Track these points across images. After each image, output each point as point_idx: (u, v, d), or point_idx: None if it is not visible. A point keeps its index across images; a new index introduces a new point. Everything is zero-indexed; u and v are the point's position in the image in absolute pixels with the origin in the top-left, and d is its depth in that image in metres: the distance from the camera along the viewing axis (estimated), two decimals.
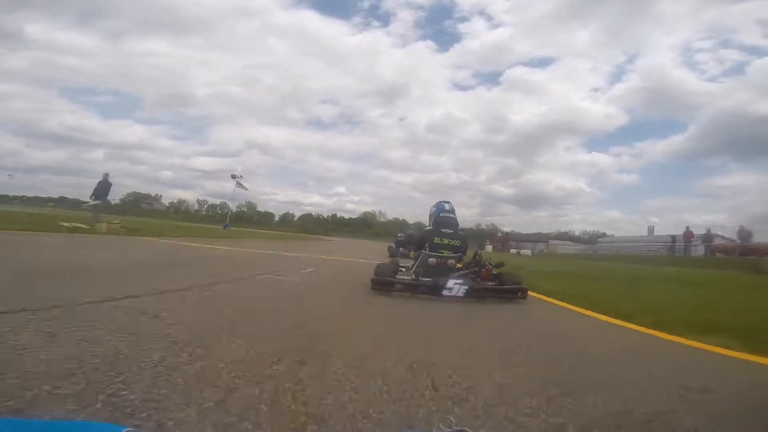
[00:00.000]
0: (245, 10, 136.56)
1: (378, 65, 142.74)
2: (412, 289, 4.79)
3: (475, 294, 4.90)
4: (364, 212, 72.63)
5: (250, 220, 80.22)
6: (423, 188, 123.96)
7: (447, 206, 5.89)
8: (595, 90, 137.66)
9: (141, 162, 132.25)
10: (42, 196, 78.85)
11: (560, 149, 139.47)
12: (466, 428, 1.01)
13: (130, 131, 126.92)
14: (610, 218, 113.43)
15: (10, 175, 71.45)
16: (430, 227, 5.76)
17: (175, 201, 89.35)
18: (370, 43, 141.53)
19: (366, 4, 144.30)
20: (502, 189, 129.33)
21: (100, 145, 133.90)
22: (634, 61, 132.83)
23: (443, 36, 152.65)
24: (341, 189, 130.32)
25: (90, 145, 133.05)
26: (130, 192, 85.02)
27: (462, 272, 5.43)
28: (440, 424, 1.08)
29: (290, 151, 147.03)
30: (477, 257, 5.74)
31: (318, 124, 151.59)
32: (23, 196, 71.55)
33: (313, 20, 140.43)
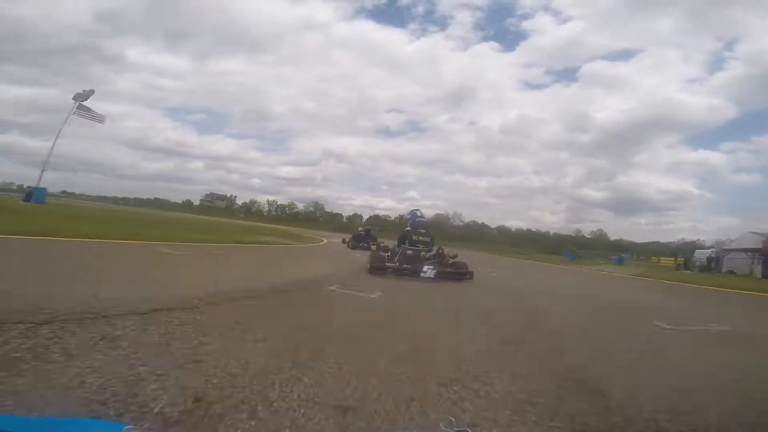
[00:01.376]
0: (308, 24, 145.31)
1: (440, 70, 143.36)
2: (399, 272, 7.28)
3: (440, 276, 7.58)
4: (436, 214, 72.18)
5: (317, 221, 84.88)
6: (500, 192, 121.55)
7: (419, 213, 9.03)
8: (692, 81, 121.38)
9: (234, 171, 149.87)
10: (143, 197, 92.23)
11: (658, 147, 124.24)
12: (467, 429, 1.09)
13: (223, 144, 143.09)
14: (725, 225, 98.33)
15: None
16: (409, 228, 8.56)
17: (247, 201, 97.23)
18: (429, 49, 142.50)
19: (420, 10, 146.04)
20: (593, 192, 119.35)
21: (199, 156, 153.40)
22: (733, 47, 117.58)
23: (506, 35, 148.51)
24: (413, 194, 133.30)
25: (191, 156, 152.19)
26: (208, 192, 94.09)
27: (431, 261, 8.12)
28: (441, 425, 1.11)
29: (363, 159, 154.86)
30: (440, 251, 8.60)
31: (386, 132, 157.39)
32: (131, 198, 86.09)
33: (372, 30, 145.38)
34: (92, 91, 28.87)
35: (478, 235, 65.09)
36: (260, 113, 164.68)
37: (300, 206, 76.74)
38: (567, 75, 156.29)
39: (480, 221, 76.48)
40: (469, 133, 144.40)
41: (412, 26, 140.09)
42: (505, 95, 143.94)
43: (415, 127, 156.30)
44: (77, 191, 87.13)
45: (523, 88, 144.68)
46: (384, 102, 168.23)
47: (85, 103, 28.13)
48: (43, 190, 26.15)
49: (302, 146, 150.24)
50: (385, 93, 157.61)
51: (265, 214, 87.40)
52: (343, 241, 20.95)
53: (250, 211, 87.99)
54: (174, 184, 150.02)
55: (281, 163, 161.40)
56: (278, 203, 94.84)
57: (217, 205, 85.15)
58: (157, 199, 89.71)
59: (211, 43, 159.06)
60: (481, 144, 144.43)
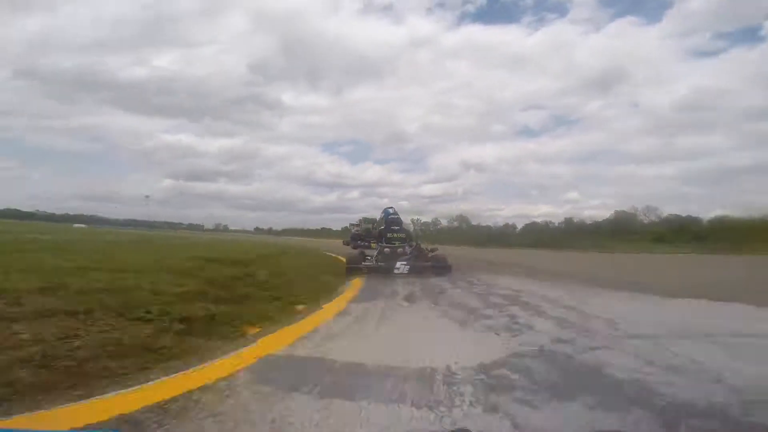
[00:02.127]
0: (416, 42, 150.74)
1: (573, 57, 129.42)
2: (374, 270, 8.48)
3: (416, 270, 8.61)
4: (615, 212, 56.79)
5: (463, 235, 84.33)
6: (694, 177, 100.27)
7: (391, 211, 9.97)
8: None
9: (384, 196, 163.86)
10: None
11: None
12: (467, 427, 1.08)
13: (371, 171, 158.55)
14: None
15: (147, 196, 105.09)
16: (383, 227, 9.65)
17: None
18: (552, 38, 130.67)
19: (529, 2, 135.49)
20: None
21: (354, 186, 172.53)
22: None
23: (645, 6, 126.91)
24: (573, 194, 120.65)
25: (348, 187, 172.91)
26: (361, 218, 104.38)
27: (407, 256, 9.08)
28: (440, 424, 1.17)
29: (504, 165, 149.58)
30: (418, 245, 9.58)
31: (526, 132, 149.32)
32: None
33: (481, 32, 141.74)
34: None
35: (684, 231, 47.52)
36: (397, 136, 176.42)
37: (443, 222, 77.45)
38: (745, 36, 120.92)
39: (683, 214, 57.72)
40: (633, 117, 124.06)
41: (526, 19, 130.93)
42: (668, 69, 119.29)
43: (561, 121, 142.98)
44: (274, 227, 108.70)
45: (688, 58, 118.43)
46: (515, 101, 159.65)
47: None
48: None
49: (439, 162, 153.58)
50: (513, 92, 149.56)
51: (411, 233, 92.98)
52: (344, 242, 23.46)
53: None
54: (338, 215, 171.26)
55: (422, 182, 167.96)
56: (422, 221, 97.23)
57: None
58: (323, 229, 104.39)
59: (340, 77, 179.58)
60: (651, 127, 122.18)
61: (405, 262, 8.78)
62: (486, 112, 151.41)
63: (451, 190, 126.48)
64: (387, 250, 9.13)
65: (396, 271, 8.51)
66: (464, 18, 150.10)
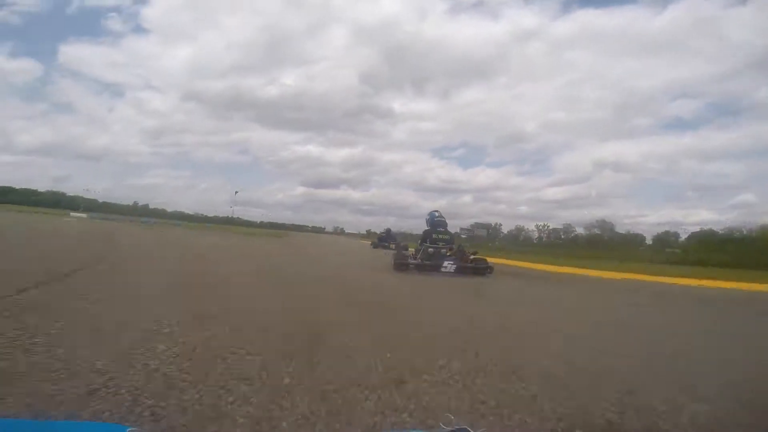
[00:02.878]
0: (520, 36, 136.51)
1: (728, 32, 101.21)
2: (421, 268, 9.69)
3: (461, 270, 9.78)
4: None
5: (606, 245, 68.20)
6: None
7: (437, 213, 10.65)
8: None
9: (499, 201, 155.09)
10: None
11: None
12: (466, 426, 1.05)
13: (484, 176, 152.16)
14: None
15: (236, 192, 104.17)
16: (429, 228, 10.50)
17: (512, 229, 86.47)
18: (687, 15, 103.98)
19: None
20: None
21: (466, 191, 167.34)
22: None
23: None
24: (748, 197, 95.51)
25: (459, 192, 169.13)
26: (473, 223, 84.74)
27: (452, 257, 10.15)
28: (441, 423, 1.12)
29: (650, 163, 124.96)
30: (461, 247, 10.48)
31: (678, 125, 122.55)
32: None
33: (595, 17, 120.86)
34: None
35: None
36: (513, 136, 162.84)
37: (578, 229, 64.42)
38: None
39: None
40: None
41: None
42: None
43: (723, 111, 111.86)
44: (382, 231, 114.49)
45: None
46: (660, 91, 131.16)
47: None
48: None
49: (565, 162, 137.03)
50: (655, 81, 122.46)
51: (535, 241, 78.46)
52: (372, 243, 26.51)
53: (517, 239, 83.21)
54: (449, 221, 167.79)
55: (546, 185, 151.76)
56: (550, 227, 79.66)
57: (477, 234, 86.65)
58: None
59: (445, 80, 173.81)
60: None
61: (452, 262, 9.85)
62: (623, 105, 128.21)
63: (582, 193, 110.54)
64: (431, 250, 10.10)
65: (443, 270, 9.66)
66: (570, 5, 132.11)
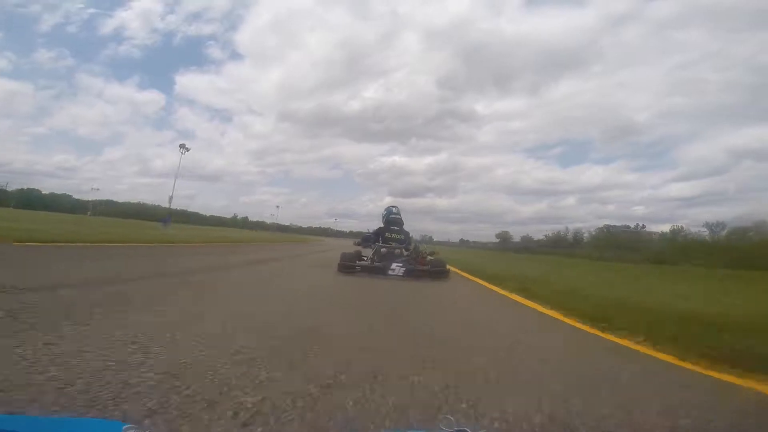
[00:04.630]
0: (613, 20, 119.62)
1: None
2: (368, 270, 8.15)
3: (412, 274, 8.08)
4: None
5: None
6: None
7: (394, 210, 9.17)
8: None
9: (608, 201, 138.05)
10: None
11: None
12: (466, 428, 1.05)
13: (590, 174, 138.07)
14: None
15: (277, 206, 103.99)
16: (383, 225, 9.01)
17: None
18: None
19: None
20: None
21: (569, 192, 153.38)
22: None
23: None
24: None
25: (560, 193, 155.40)
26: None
27: (404, 258, 8.47)
28: (440, 424, 1.11)
29: None
30: (416, 248, 8.82)
31: None
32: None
33: None
34: None
35: None
36: (622, 129, 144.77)
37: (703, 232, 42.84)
38: None
39: None
40: None
41: None
42: None
43: None
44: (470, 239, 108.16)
45: None
46: None
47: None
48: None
49: (693, 153, 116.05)
50: None
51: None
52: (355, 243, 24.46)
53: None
54: (549, 225, 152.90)
55: (666, 180, 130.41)
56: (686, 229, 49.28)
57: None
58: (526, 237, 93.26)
59: (532, 76, 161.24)
60: None
61: (401, 264, 8.23)
62: (762, 84, 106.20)
63: (716, 188, 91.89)
64: (384, 250, 8.64)
65: (390, 273, 8.04)
66: None
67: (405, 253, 8.69)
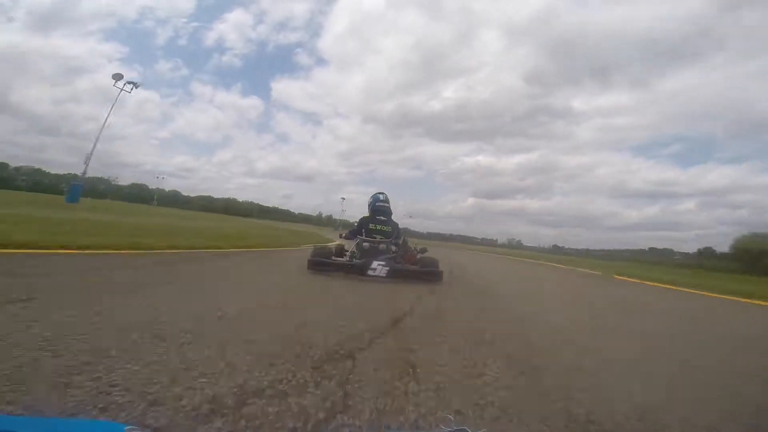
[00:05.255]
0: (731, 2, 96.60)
1: None
2: (343, 269, 6.07)
3: (396, 275, 6.00)
4: None
5: None
6: None
7: (381, 197, 6.99)
8: None
9: (739, 205, 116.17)
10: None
11: None
12: (466, 428, 1.04)
13: (716, 175, 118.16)
14: None
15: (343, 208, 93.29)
16: (368, 215, 6.87)
17: None
18: None
19: None
20: None
21: (687, 195, 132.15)
22: None
23: None
24: None
25: (678, 196, 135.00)
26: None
27: (387, 255, 6.31)
28: (440, 424, 1.12)
29: None
30: (405, 243, 6.64)
31: None
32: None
33: None
34: None
35: None
36: (753, 123, 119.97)
37: None
38: None
39: None
40: None
41: None
42: None
43: None
44: (565, 245, 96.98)
45: None
46: None
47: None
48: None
49: None
50: None
51: None
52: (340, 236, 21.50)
53: None
54: (663, 232, 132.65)
55: None
56: None
57: None
58: (652, 250, 78.41)
59: (638, 68, 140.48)
60: None
61: (383, 263, 6.06)
62: None
63: None
64: (366, 245, 6.52)
65: (370, 273, 5.97)
66: None
67: (393, 249, 6.58)
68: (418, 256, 6.70)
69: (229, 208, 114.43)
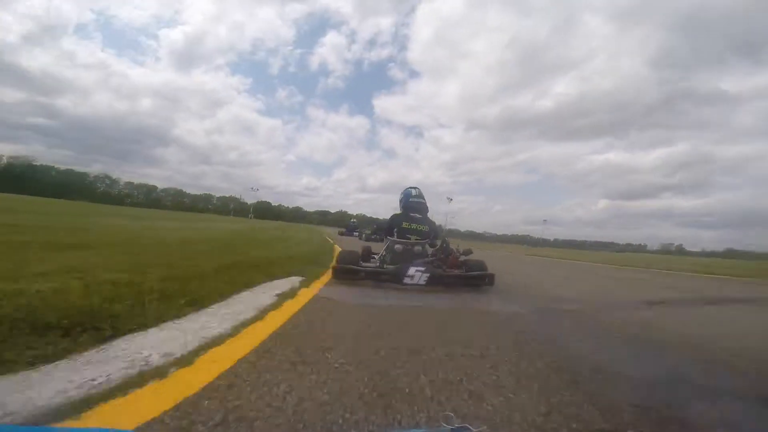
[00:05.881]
0: None
1: None
2: (375, 276, 4.73)
3: (438, 281, 4.72)
4: None
5: None
6: None
7: (414, 191, 5.76)
8: None
9: None
10: None
11: None
12: (467, 425, 1.01)
13: None
14: None
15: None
16: (400, 212, 5.65)
17: None
18: None
19: None
20: None
21: None
22: None
23: None
24: None
25: None
26: None
27: (426, 259, 5.11)
28: (441, 422, 1.08)
29: None
30: (444, 244, 5.38)
31: None
32: None
33: None
34: None
35: None
36: None
37: None
38: None
39: None
40: None
41: None
42: None
43: None
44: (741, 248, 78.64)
45: None
46: None
47: None
48: None
49: None
50: None
51: None
52: (361, 236, 19.51)
53: None
54: None
55: None
56: None
57: None
58: None
59: None
60: None
61: (422, 268, 4.71)
62: None
63: None
64: (398, 248, 5.30)
65: (407, 281, 4.64)
66: None
67: (430, 251, 5.49)
68: (462, 258, 5.40)
69: (341, 219, 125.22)
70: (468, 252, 5.65)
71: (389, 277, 4.67)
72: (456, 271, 5.07)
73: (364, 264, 5.18)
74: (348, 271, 4.73)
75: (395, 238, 5.38)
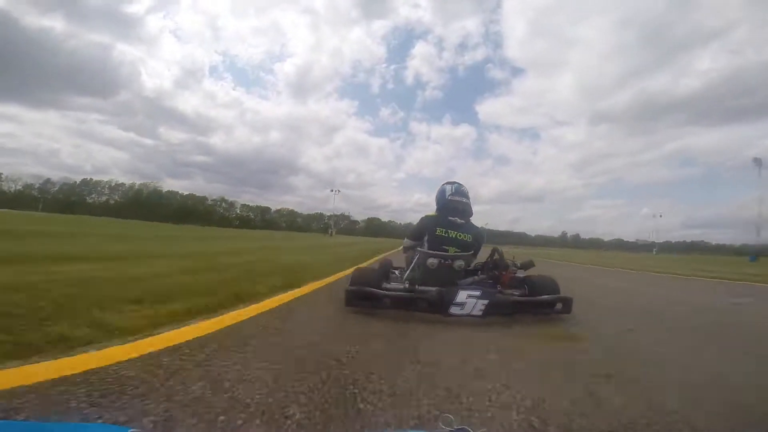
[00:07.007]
0: None
1: None
2: (406, 304, 3.33)
3: (499, 310, 3.33)
4: None
5: None
6: None
7: (450, 188, 4.13)
8: None
9: None
10: None
11: None
12: (466, 427, 0.99)
13: None
14: None
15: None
16: (436, 214, 4.02)
17: None
18: None
19: None
20: None
21: None
22: None
23: None
24: None
25: None
26: None
27: (476, 278, 3.91)
28: (441, 423, 1.06)
29: None
30: (496, 256, 4.12)
31: None
32: None
33: None
34: None
35: None
36: None
37: None
38: None
39: None
40: None
41: None
42: None
43: None
44: None
45: None
46: None
47: None
48: None
49: None
50: None
51: None
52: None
53: None
54: None
55: None
56: None
57: None
58: None
59: None
60: None
61: (477, 292, 3.32)
62: None
63: None
64: (433, 262, 3.76)
65: (455, 311, 3.28)
66: None
67: (471, 267, 4.16)
68: (520, 274, 4.09)
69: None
70: (528, 265, 4.32)
71: (427, 305, 3.28)
72: (516, 293, 3.78)
73: (388, 287, 3.66)
74: (365, 297, 3.36)
75: (426, 249, 3.86)
